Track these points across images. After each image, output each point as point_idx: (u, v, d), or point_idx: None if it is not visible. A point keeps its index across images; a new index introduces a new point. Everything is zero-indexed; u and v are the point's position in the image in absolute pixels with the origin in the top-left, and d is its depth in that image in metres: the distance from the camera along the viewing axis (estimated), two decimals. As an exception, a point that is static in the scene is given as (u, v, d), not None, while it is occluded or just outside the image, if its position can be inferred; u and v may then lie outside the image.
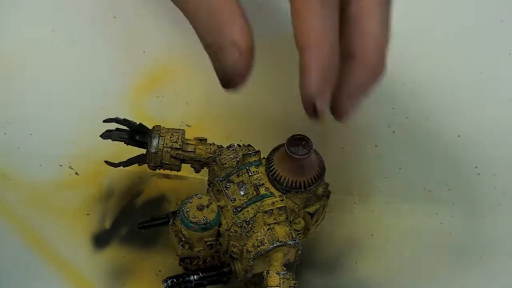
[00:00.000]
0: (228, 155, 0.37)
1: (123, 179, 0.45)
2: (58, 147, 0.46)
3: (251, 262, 0.34)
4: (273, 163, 0.36)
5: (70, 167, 0.45)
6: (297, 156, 0.34)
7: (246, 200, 0.35)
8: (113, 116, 0.39)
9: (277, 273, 0.34)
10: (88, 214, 0.44)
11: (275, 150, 0.36)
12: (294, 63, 0.32)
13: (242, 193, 0.35)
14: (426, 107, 0.47)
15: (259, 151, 0.37)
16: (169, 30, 0.46)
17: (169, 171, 0.40)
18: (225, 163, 0.37)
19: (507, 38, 0.48)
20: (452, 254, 0.43)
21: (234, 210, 0.35)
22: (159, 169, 0.40)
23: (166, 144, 0.38)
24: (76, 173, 0.45)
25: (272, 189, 0.35)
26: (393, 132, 0.47)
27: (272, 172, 0.35)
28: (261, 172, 0.36)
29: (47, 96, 0.46)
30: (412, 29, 0.49)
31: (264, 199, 0.35)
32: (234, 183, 0.36)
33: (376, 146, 0.46)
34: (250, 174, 0.36)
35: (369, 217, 0.45)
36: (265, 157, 0.37)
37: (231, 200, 0.35)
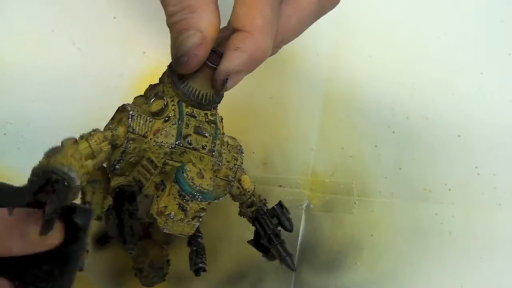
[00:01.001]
0: (139, 121, 0.33)
1: (123, 179, 0.45)
2: (58, 147, 0.46)
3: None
4: (189, 86, 0.33)
5: (70, 167, 0.45)
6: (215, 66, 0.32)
7: (211, 139, 0.34)
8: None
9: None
10: (88, 214, 0.44)
11: (173, 72, 0.33)
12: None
13: (207, 135, 0.34)
14: (426, 107, 0.47)
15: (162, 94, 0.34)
16: (169, 30, 0.46)
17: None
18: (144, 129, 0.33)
19: (507, 38, 0.48)
20: (452, 254, 0.43)
21: (211, 155, 0.34)
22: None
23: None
24: (76, 173, 0.45)
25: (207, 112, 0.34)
26: (393, 132, 0.47)
27: (196, 95, 0.33)
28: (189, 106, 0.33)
29: (47, 97, 0.46)
30: (412, 29, 0.49)
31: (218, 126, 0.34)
32: (193, 133, 0.33)
33: (376, 146, 0.46)
34: (194, 115, 0.33)
35: (369, 217, 0.45)
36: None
37: (203, 148, 0.33)
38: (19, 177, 0.45)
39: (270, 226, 0.37)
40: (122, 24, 0.48)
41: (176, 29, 0.31)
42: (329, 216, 0.45)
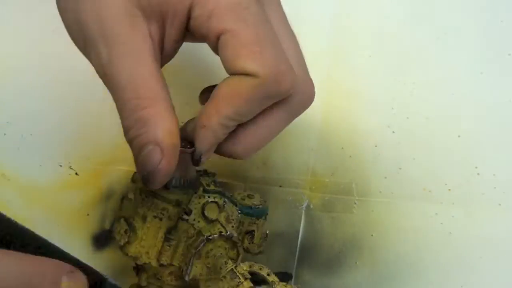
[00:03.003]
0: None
1: (123, 179, 0.45)
2: (58, 147, 0.46)
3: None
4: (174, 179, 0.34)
5: (70, 167, 0.45)
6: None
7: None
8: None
9: None
10: (88, 215, 0.44)
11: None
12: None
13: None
14: (426, 107, 0.47)
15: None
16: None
17: None
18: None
19: (507, 38, 0.48)
20: (452, 254, 0.43)
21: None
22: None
23: None
24: (76, 173, 0.45)
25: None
26: (393, 132, 0.47)
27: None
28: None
29: (47, 96, 0.46)
30: (412, 30, 0.49)
31: None
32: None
33: (376, 146, 0.46)
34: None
35: (369, 217, 0.45)
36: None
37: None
38: (19, 177, 0.45)
39: None
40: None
41: (134, 146, 0.30)
42: (329, 216, 0.45)
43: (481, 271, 0.43)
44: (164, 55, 0.32)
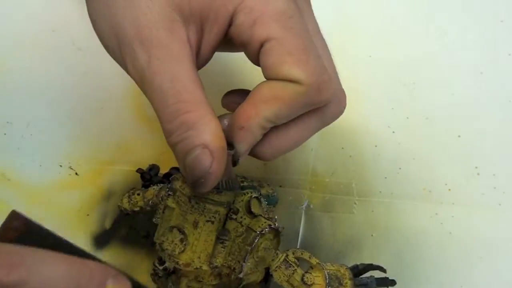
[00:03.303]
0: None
1: (123, 179, 0.45)
2: (58, 147, 0.46)
3: None
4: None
5: (70, 167, 0.45)
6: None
7: None
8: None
9: None
10: (88, 215, 0.44)
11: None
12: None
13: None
14: (426, 107, 0.47)
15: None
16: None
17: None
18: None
19: (507, 38, 0.48)
20: (452, 254, 0.43)
21: None
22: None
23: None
24: (76, 173, 0.45)
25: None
26: (393, 132, 0.47)
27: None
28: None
29: (47, 96, 0.46)
30: (412, 30, 0.49)
31: None
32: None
33: (376, 146, 0.46)
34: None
35: (369, 217, 0.45)
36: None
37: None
38: (19, 177, 0.45)
39: None
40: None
41: (179, 150, 0.29)
42: (329, 216, 0.45)
43: (481, 271, 0.43)
44: (200, 59, 0.32)
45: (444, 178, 0.45)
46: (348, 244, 0.44)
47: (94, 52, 0.48)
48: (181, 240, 0.34)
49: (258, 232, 0.34)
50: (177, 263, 0.34)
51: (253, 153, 0.32)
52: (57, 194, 0.45)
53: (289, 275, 0.35)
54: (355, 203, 0.45)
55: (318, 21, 0.33)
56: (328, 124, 0.34)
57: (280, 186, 0.46)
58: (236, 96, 0.33)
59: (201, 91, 0.29)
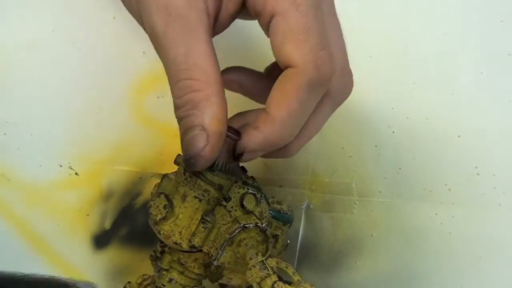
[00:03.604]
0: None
1: (123, 179, 0.45)
2: (58, 147, 0.46)
3: None
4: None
5: (70, 167, 0.45)
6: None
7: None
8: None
9: None
10: (88, 215, 0.44)
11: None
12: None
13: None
14: (426, 107, 0.47)
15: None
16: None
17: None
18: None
19: (507, 38, 0.48)
20: (452, 254, 0.43)
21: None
22: None
23: None
24: (76, 173, 0.45)
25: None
26: (393, 132, 0.47)
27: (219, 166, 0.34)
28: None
29: (47, 96, 0.46)
30: (412, 30, 0.49)
31: None
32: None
33: (376, 146, 0.46)
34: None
35: (369, 217, 0.45)
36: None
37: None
38: (19, 177, 0.45)
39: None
40: (122, 24, 0.48)
41: (182, 126, 0.30)
42: (329, 216, 0.45)
43: (481, 271, 0.43)
44: (218, 27, 0.31)
45: (444, 178, 0.45)
46: (348, 244, 0.44)
47: (94, 52, 0.48)
48: (165, 207, 0.33)
49: (241, 224, 0.34)
50: (159, 232, 0.34)
51: (278, 153, 0.33)
52: (57, 194, 0.45)
53: (262, 277, 0.34)
54: (355, 203, 0.45)
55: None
56: (339, 104, 0.33)
57: (280, 186, 0.46)
58: (237, 74, 0.33)
59: (213, 68, 0.29)
